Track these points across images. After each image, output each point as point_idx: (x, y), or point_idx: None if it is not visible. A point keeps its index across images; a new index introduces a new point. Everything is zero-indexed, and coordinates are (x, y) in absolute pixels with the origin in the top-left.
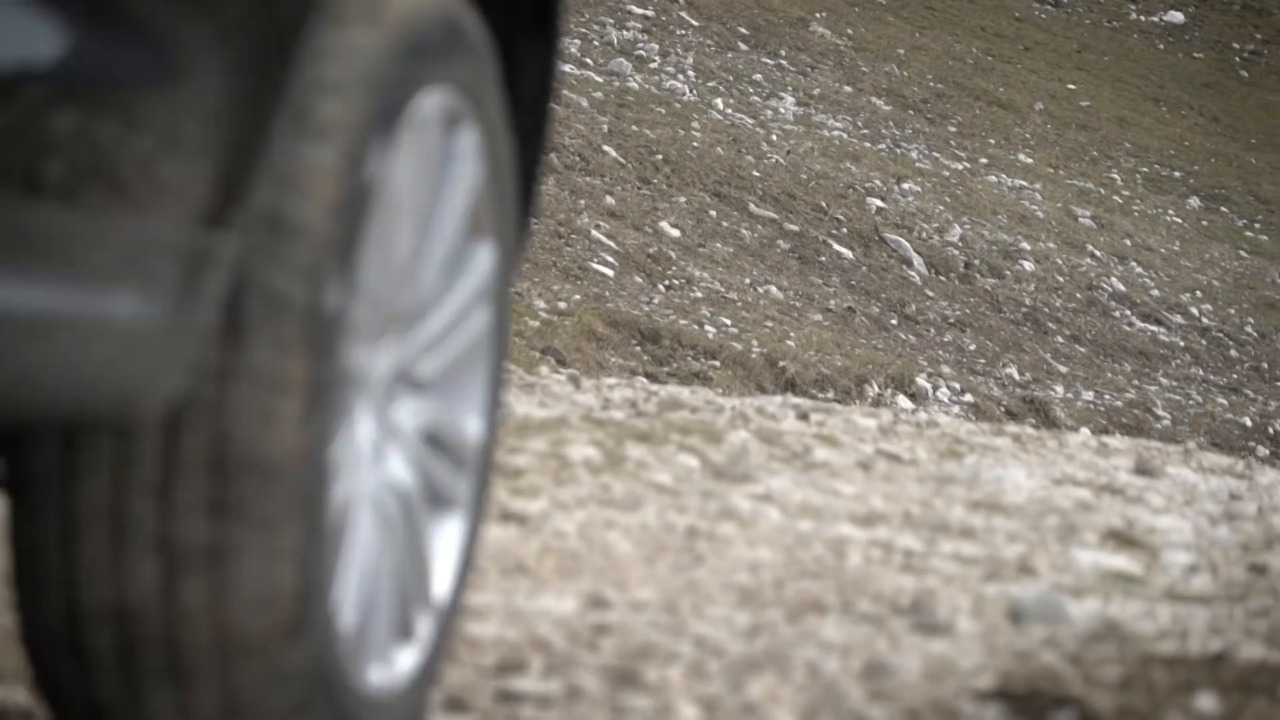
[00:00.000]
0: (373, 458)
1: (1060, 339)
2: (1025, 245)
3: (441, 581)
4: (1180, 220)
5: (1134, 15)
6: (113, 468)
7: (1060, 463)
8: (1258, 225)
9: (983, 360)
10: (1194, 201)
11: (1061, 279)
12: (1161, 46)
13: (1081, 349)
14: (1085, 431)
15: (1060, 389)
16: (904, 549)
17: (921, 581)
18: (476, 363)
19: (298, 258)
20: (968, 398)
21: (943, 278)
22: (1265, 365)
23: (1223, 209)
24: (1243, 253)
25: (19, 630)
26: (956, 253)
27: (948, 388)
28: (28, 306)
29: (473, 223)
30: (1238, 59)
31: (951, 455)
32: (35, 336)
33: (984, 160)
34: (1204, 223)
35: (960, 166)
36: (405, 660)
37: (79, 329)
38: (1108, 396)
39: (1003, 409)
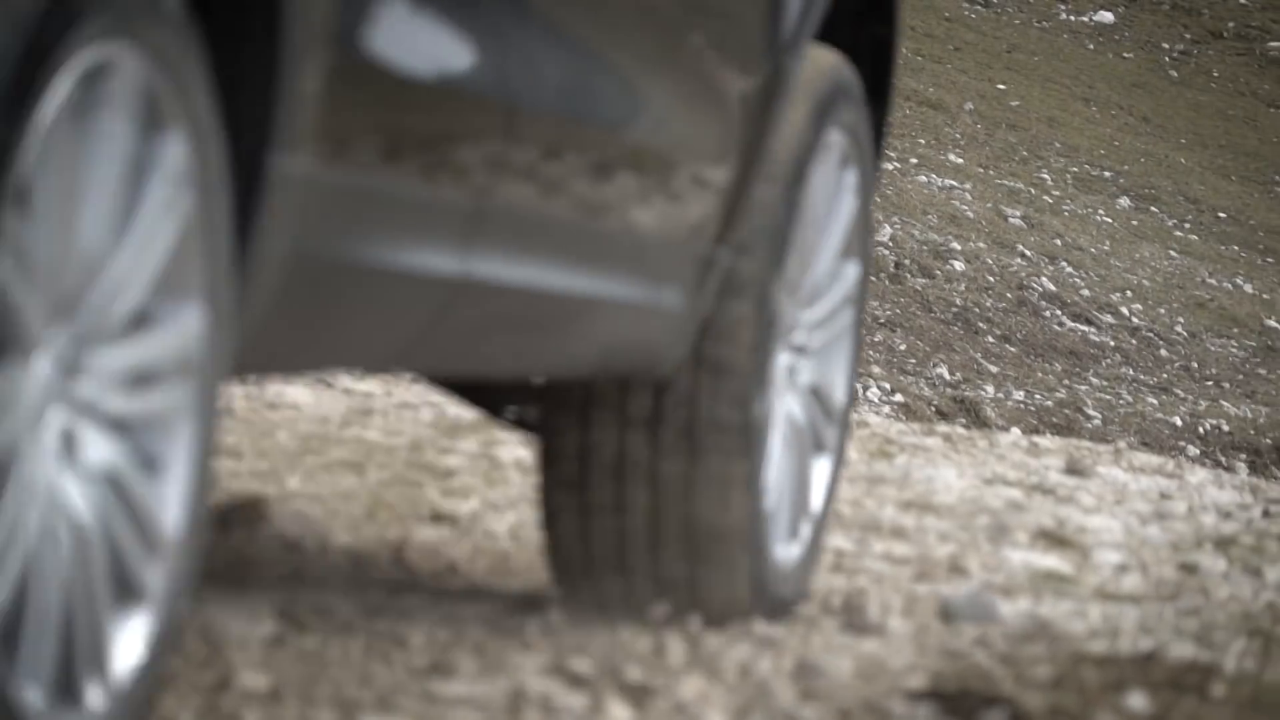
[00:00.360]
0: (780, 407)
1: (991, 339)
2: (955, 245)
3: (816, 501)
4: (1111, 220)
5: (1064, 15)
6: (617, 418)
7: (991, 463)
8: (1187, 225)
9: (913, 360)
10: (1124, 201)
11: (992, 279)
12: (1091, 46)
13: (1012, 349)
14: (1016, 431)
15: (991, 389)
16: (835, 549)
17: (853, 581)
18: (842, 347)
19: (759, 240)
20: (898, 398)
21: (872, 278)
22: (1195, 365)
23: (1152, 209)
24: (1173, 252)
25: (546, 540)
26: (886, 253)
27: (878, 388)
28: (630, 297)
29: (846, 247)
30: (1168, 59)
31: (882, 455)
32: (628, 316)
33: (914, 160)
34: (1134, 222)
35: (890, 166)
36: (794, 550)
37: (648, 312)
38: (1038, 396)
39: (933, 409)
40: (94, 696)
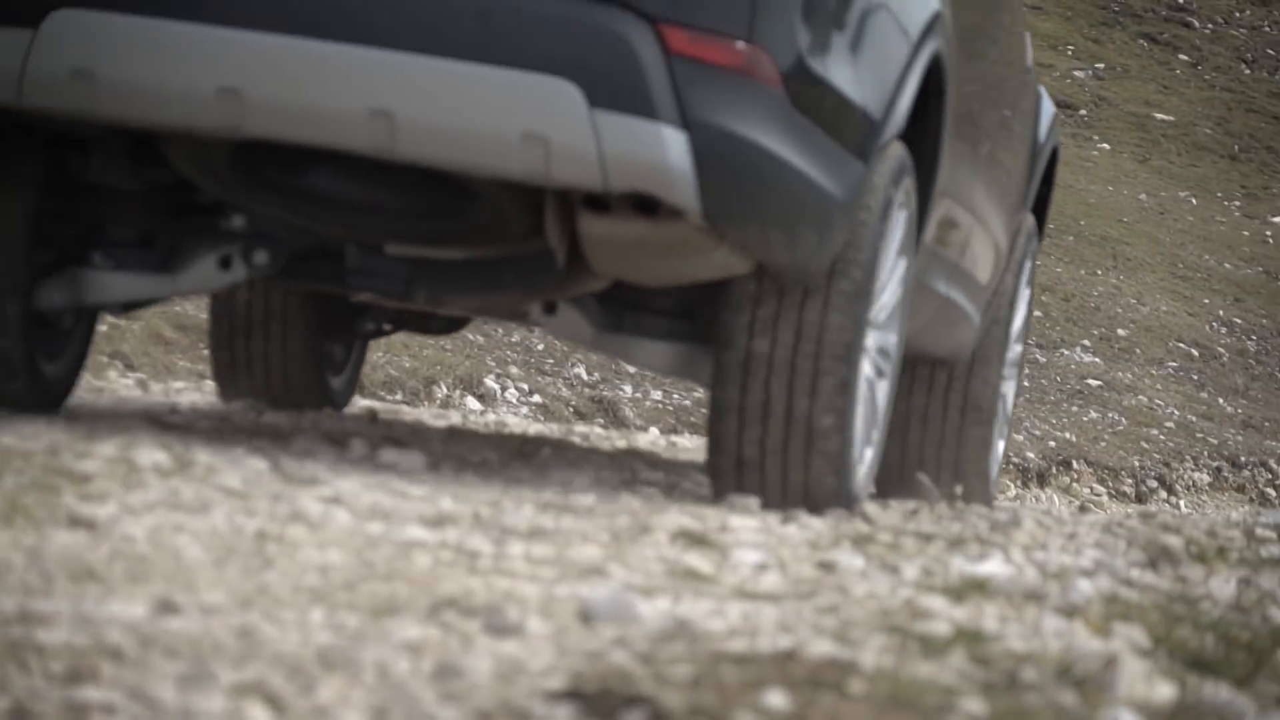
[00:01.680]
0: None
1: None
2: None
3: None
4: None
5: None
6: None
7: (630, 462)
8: None
9: (551, 360)
10: None
11: None
12: None
13: None
14: (654, 431)
15: (629, 389)
16: (473, 550)
17: (492, 582)
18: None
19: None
20: (536, 398)
21: None
22: None
23: None
24: None
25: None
26: None
27: (516, 389)
28: (972, 315)
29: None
30: None
31: (521, 456)
32: (972, 326)
33: None
34: None
35: None
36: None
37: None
38: (676, 395)
39: (571, 409)
40: None
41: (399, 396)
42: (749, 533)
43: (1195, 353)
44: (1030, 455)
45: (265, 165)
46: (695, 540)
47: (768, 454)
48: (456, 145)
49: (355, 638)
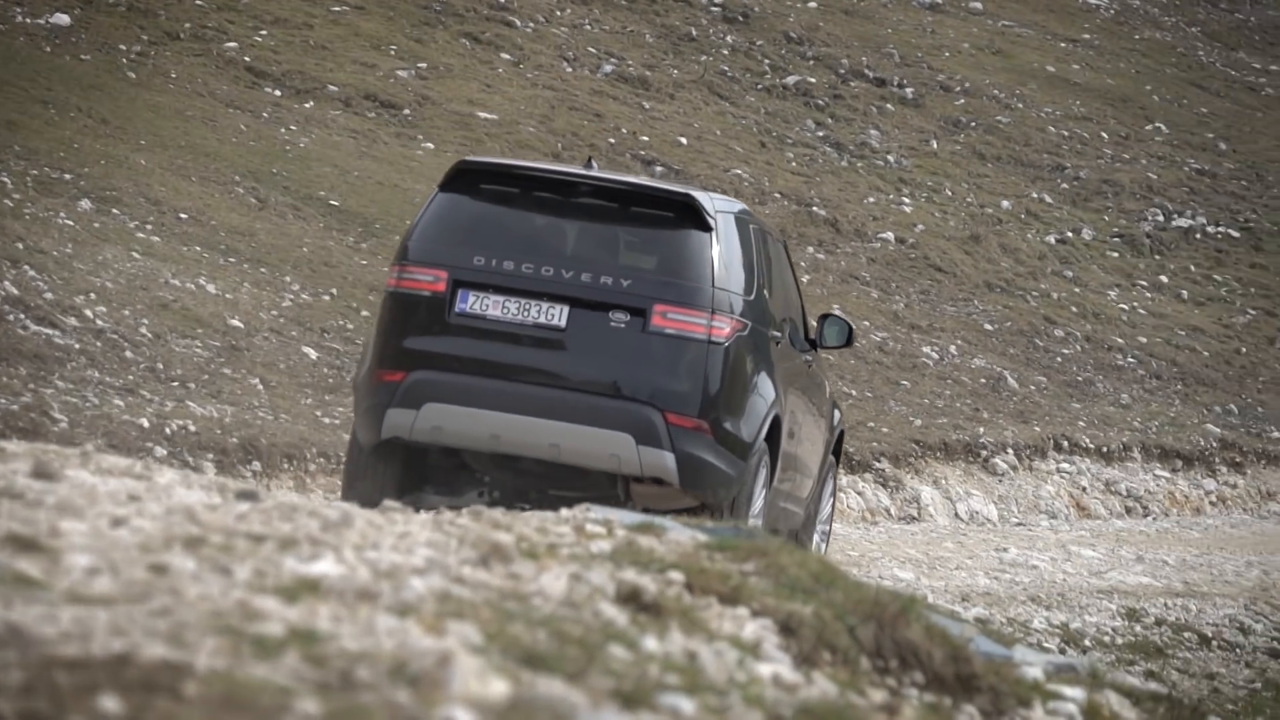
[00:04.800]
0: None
1: None
2: None
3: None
4: (73, 223)
5: (20, 18)
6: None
7: None
8: (149, 226)
9: None
10: (85, 204)
11: None
12: (49, 49)
13: None
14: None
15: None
16: None
17: None
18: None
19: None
20: None
21: None
22: (161, 365)
23: (114, 210)
24: (135, 254)
25: None
26: None
27: None
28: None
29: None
30: (125, 60)
31: None
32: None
33: None
34: (96, 225)
35: None
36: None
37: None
38: (3, 401)
39: None
40: None
41: None
42: (80, 536)
43: None
44: None
45: (507, 460)
46: (25, 545)
47: None
48: (584, 457)
49: None
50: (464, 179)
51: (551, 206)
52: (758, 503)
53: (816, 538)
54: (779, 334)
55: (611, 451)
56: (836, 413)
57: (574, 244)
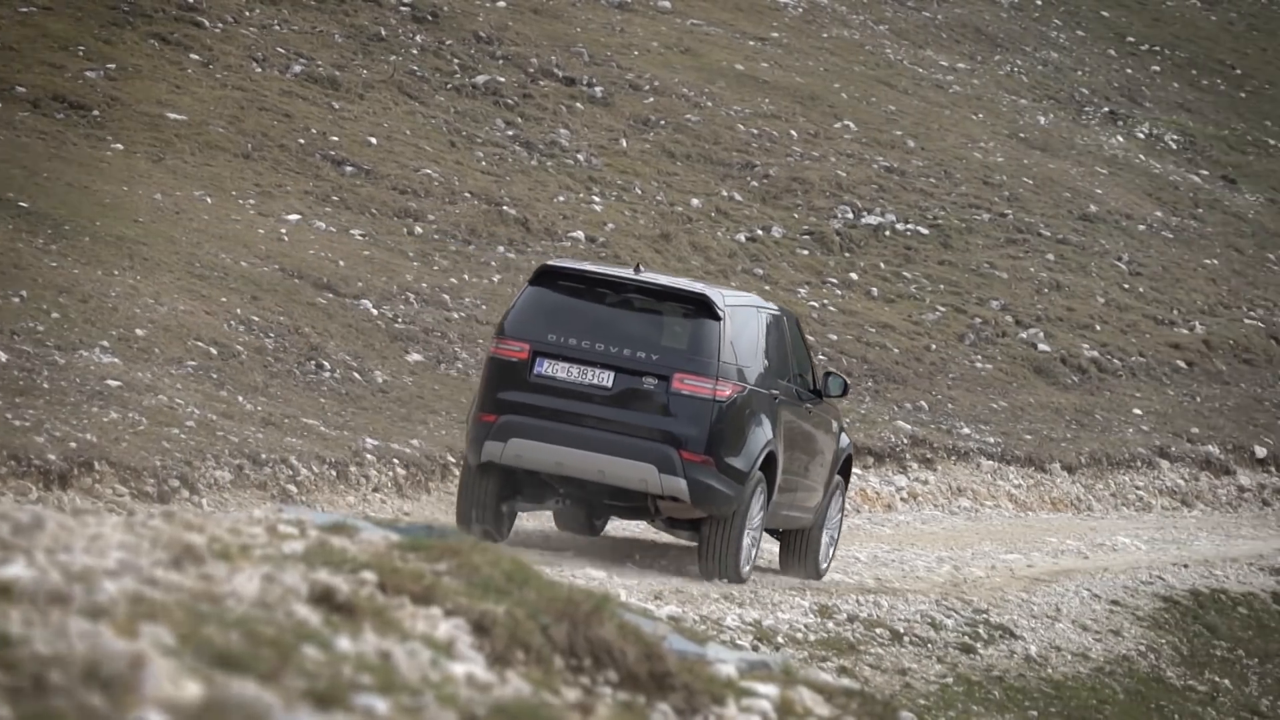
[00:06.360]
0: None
1: None
2: None
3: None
4: None
5: None
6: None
7: None
8: None
9: None
10: None
11: None
12: None
13: None
14: None
15: None
16: None
17: None
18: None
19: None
20: None
21: None
22: None
23: None
24: None
25: None
26: None
27: None
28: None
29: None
30: None
31: None
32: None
33: None
34: None
35: None
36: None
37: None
38: None
39: None
40: None
41: None
42: None
43: (214, 351)
44: (51, 457)
45: (573, 480)
46: None
47: None
48: (622, 481)
49: None
50: (546, 276)
51: (607, 299)
52: (756, 515)
53: (825, 537)
54: (777, 391)
55: (641, 477)
56: (845, 439)
57: (621, 327)
